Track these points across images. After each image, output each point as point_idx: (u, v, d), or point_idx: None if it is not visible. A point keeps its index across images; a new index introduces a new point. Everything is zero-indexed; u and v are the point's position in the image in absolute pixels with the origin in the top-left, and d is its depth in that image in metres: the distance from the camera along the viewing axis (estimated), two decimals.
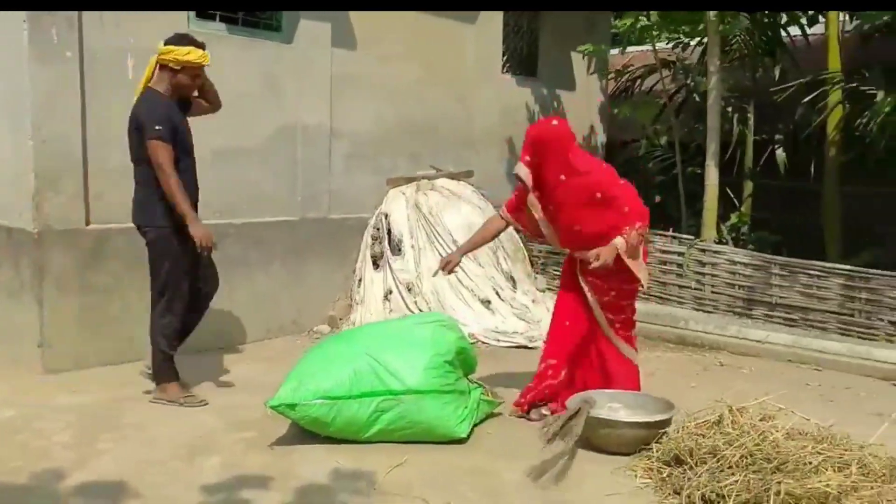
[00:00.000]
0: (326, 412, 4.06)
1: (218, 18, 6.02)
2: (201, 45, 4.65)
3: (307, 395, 4.06)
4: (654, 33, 8.19)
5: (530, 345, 6.41)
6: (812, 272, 6.65)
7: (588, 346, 4.67)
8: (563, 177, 4.39)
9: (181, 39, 4.64)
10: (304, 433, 4.22)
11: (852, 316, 6.44)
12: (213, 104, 5.02)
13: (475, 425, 4.37)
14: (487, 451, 4.13)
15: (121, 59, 5.44)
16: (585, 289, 4.56)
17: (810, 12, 8.49)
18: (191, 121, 4.95)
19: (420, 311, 6.67)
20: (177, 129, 4.59)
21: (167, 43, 4.61)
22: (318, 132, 6.64)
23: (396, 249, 6.78)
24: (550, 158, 4.38)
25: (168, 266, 4.67)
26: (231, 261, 6.09)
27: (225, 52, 5.95)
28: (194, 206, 4.76)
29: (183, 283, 4.74)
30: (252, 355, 5.94)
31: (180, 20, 5.70)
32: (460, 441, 4.21)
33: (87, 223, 5.40)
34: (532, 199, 4.55)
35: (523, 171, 4.42)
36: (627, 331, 4.66)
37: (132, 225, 5.49)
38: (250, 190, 6.25)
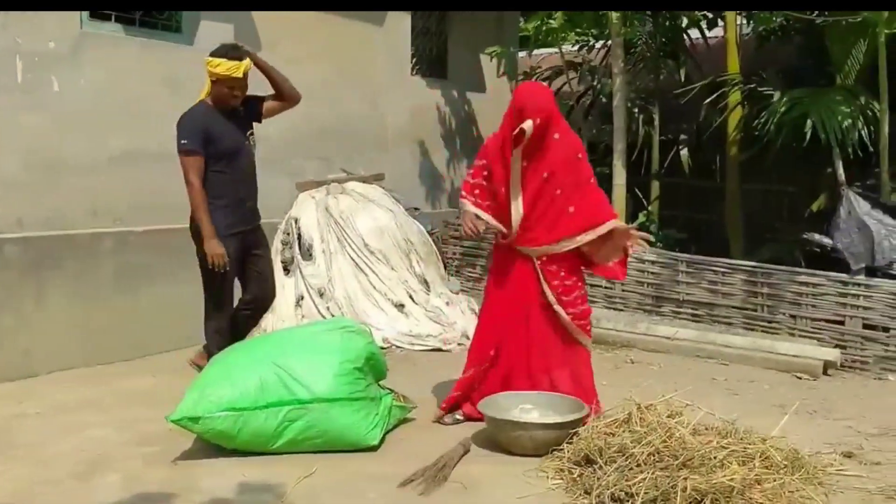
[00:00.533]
0: (232, 424, 3.94)
1: (114, 19, 5.80)
2: (237, 56, 4.61)
3: (211, 408, 3.93)
4: (561, 35, 8.28)
5: (445, 348, 6.38)
6: (717, 269, 6.81)
7: (523, 339, 4.52)
8: (557, 135, 4.33)
9: (218, 51, 4.66)
10: (210, 446, 4.09)
11: (755, 311, 6.62)
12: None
13: (387, 432, 4.30)
14: (398, 457, 4.06)
15: (9, 61, 5.18)
16: (545, 287, 4.41)
17: (710, 15, 8.74)
18: (92, 125, 4.86)
19: (333, 316, 6.57)
20: (213, 139, 4.62)
21: (210, 55, 4.65)
22: None
23: (307, 254, 6.66)
24: (554, 116, 4.32)
25: (206, 271, 4.75)
26: (134, 269, 5.91)
27: (123, 54, 5.77)
28: (250, 210, 4.92)
29: (223, 289, 4.82)
30: (158, 367, 5.72)
31: (72, 22, 5.49)
32: (372, 449, 4.14)
33: None
34: (517, 154, 4.32)
35: (529, 124, 4.15)
36: (585, 319, 4.55)
37: (24, 235, 5.30)
38: (153, 195, 6.03)
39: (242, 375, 4.06)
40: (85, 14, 5.59)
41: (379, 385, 4.45)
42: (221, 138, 4.66)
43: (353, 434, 4.09)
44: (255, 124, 4.96)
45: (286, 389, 4.01)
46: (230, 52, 4.62)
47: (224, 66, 4.55)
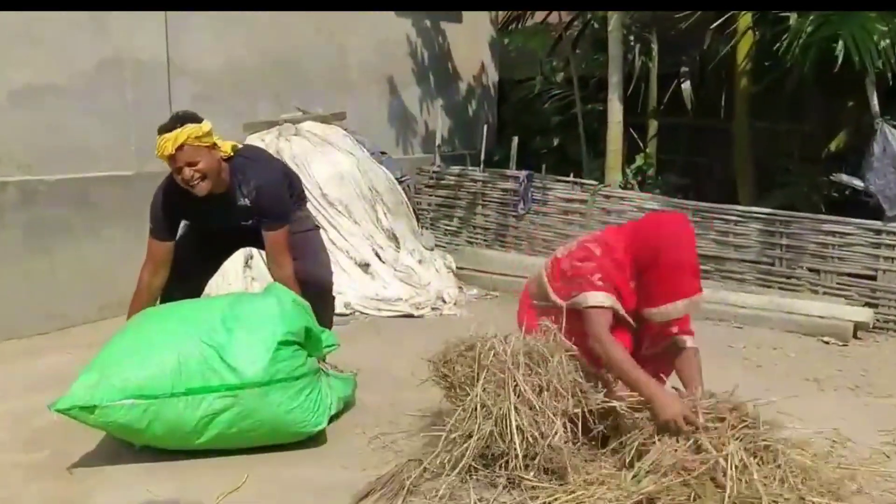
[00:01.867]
0: (139, 416, 3.08)
1: None
2: (167, 128, 3.45)
3: (111, 394, 3.06)
4: None
5: (416, 313, 5.57)
6: (728, 217, 5.99)
7: None
8: None
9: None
10: (116, 446, 3.27)
11: (772, 265, 5.83)
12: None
13: (332, 418, 3.46)
14: (347, 458, 3.25)
15: None
16: None
17: None
18: None
19: None
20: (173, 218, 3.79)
21: None
22: (154, 68, 5.51)
23: None
24: None
25: None
26: (46, 226, 5.01)
27: None
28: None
29: None
30: (74, 340, 4.86)
31: None
32: (322, 439, 3.32)
33: None
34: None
35: None
36: None
37: None
38: (68, 138, 5.10)
39: (156, 352, 3.19)
40: None
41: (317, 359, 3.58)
42: (188, 215, 3.83)
43: (294, 422, 3.26)
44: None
45: (212, 371, 3.15)
46: (168, 122, 3.51)
47: (157, 146, 3.47)
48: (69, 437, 3.35)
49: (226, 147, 3.65)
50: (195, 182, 3.50)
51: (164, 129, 3.45)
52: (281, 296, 3.49)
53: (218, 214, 3.73)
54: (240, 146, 3.86)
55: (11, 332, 4.88)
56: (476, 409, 2.84)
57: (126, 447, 3.28)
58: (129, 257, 5.35)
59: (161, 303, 3.83)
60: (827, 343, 5.01)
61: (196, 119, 3.51)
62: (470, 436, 2.82)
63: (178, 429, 3.14)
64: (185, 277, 3.89)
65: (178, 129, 3.41)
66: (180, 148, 3.41)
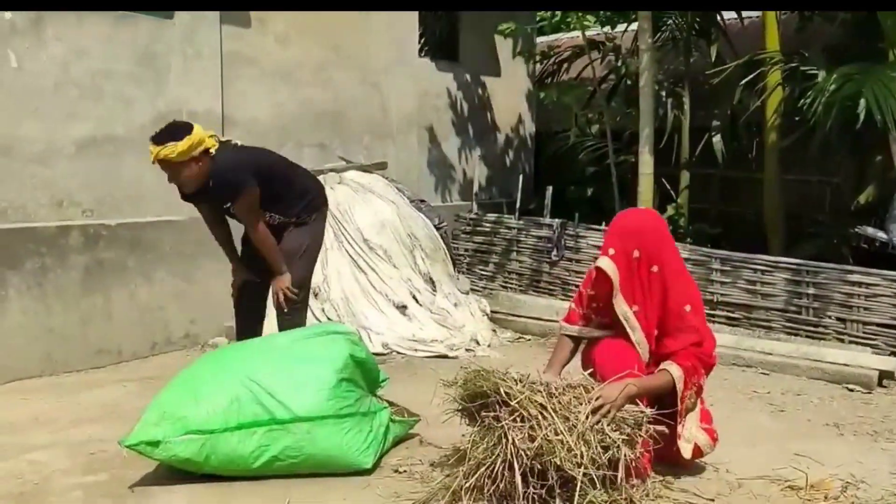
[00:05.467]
0: (198, 449, 3.32)
1: None
2: (154, 141, 3.95)
3: (173, 430, 3.31)
4: (582, 18, 7.62)
5: (451, 354, 5.76)
6: (756, 266, 6.14)
7: None
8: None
9: None
10: (169, 475, 3.48)
11: (799, 314, 5.95)
12: None
13: (384, 453, 3.67)
14: (395, 488, 3.43)
15: None
16: None
17: None
18: (55, 106, 4.86)
19: (329, 319, 5.96)
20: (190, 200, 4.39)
21: None
22: (208, 119, 5.83)
23: None
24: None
25: None
26: (105, 267, 5.34)
27: (91, 28, 5.17)
28: None
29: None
30: (126, 374, 5.15)
31: None
32: (364, 472, 3.52)
33: None
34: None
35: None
36: None
37: None
38: (126, 185, 5.45)
39: (210, 392, 3.43)
40: None
41: (375, 396, 3.82)
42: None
43: (342, 456, 3.47)
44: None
45: (262, 408, 3.39)
46: (157, 134, 3.99)
47: None
48: (125, 464, 3.59)
49: (211, 144, 4.05)
50: (180, 185, 4.12)
51: (152, 140, 3.94)
52: (329, 333, 3.74)
53: (207, 201, 4.28)
54: (227, 142, 4.27)
55: (69, 366, 5.19)
56: (501, 437, 3.00)
57: (181, 474, 3.51)
58: (178, 297, 5.73)
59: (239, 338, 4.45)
60: (851, 391, 5.09)
61: (178, 136, 3.91)
62: (493, 464, 2.98)
63: (233, 460, 3.37)
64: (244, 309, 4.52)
65: (159, 148, 3.88)
66: (160, 161, 3.93)
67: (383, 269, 6.13)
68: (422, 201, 6.92)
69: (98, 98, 5.23)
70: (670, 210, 7.92)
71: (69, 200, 5.17)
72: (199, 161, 3.99)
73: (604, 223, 7.18)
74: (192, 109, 5.73)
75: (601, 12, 8.32)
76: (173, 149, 3.88)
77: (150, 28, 5.48)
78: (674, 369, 3.33)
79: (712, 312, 6.31)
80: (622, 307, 3.37)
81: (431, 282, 6.38)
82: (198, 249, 5.82)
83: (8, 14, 4.79)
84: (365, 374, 3.73)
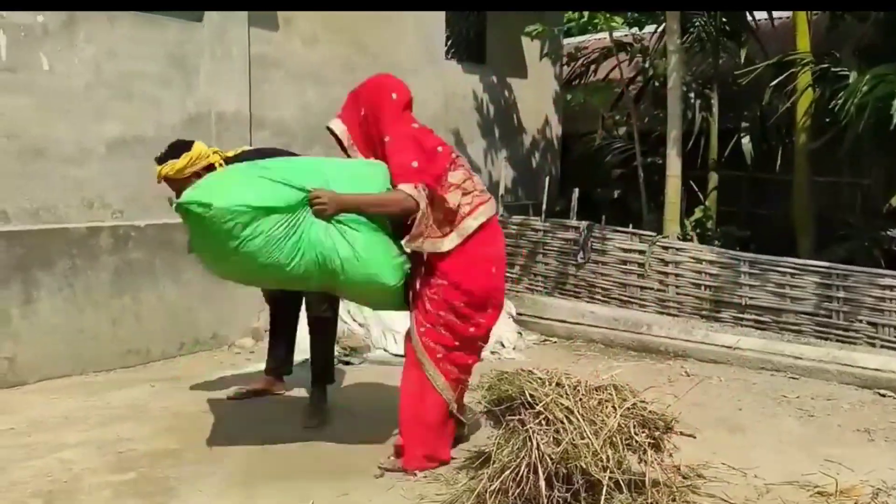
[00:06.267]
0: (245, 223, 3.24)
1: None
2: (157, 160, 4.11)
3: (227, 200, 3.24)
4: (609, 19, 7.57)
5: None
6: (784, 270, 6.07)
7: None
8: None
9: None
10: (193, 476, 3.52)
11: (829, 317, 5.87)
12: None
13: None
14: (415, 490, 3.43)
15: None
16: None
17: None
18: (86, 108, 4.95)
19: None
20: None
21: None
22: (237, 120, 5.91)
23: None
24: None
25: None
26: (134, 268, 5.39)
27: (121, 30, 5.23)
28: None
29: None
30: (155, 374, 5.19)
31: None
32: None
33: None
34: None
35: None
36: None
37: (9, 228, 4.83)
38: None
39: (263, 186, 3.37)
40: None
41: None
42: None
43: (377, 268, 3.52)
44: None
45: (329, 238, 3.40)
46: (161, 154, 4.12)
47: None
48: (152, 463, 3.64)
49: (215, 159, 4.07)
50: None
51: (156, 160, 4.10)
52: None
53: None
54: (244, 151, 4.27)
55: (98, 366, 5.24)
56: (526, 440, 2.99)
57: (204, 472, 3.54)
58: (206, 298, 5.76)
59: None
60: (883, 396, 5.02)
61: (177, 154, 4.02)
62: (518, 467, 2.98)
63: (267, 254, 3.31)
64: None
65: (161, 166, 4.04)
66: (165, 179, 4.06)
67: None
68: None
69: (128, 99, 5.28)
70: (698, 213, 7.85)
71: (100, 201, 5.23)
72: (201, 176, 3.88)
73: (631, 225, 7.15)
74: (220, 110, 5.78)
75: (629, 14, 8.25)
76: (172, 166, 4.00)
77: (179, 30, 5.52)
78: (403, 187, 3.47)
79: (741, 316, 6.26)
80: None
81: None
82: None
83: (40, 17, 4.84)
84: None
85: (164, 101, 5.48)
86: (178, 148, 4.07)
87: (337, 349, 5.63)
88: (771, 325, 6.08)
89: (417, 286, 3.66)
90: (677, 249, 6.68)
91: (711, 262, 6.44)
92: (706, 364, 5.69)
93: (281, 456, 3.79)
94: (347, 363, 5.57)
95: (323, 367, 4.41)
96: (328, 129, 3.84)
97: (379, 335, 5.83)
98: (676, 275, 6.62)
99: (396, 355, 5.65)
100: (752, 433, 4.24)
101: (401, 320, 5.89)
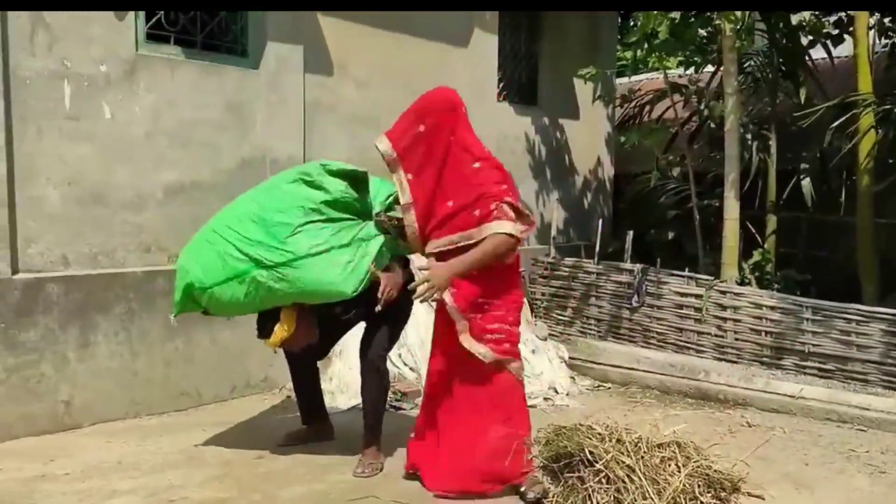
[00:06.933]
0: (207, 300, 4.09)
1: (172, 41, 5.37)
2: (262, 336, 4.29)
3: (185, 293, 4.10)
4: (663, 55, 7.52)
5: (529, 402, 5.61)
6: (850, 317, 5.87)
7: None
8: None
9: None
10: None
11: None
12: None
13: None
14: None
15: (55, 85, 4.78)
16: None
17: (835, 31, 7.81)
18: (146, 155, 5.15)
19: (405, 364, 5.94)
20: None
21: None
22: (291, 164, 5.91)
23: None
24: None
25: None
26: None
27: (181, 79, 5.33)
28: None
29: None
30: (207, 418, 5.19)
31: (127, 43, 5.06)
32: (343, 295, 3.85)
33: (15, 272, 4.69)
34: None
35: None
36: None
37: (69, 273, 4.88)
38: None
39: (206, 253, 4.02)
40: (141, 35, 5.17)
41: (378, 218, 4.09)
42: None
43: (321, 290, 3.87)
44: None
45: (243, 260, 3.89)
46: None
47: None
48: None
49: None
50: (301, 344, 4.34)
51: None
52: (299, 181, 4.03)
53: None
54: None
55: (151, 409, 5.27)
56: (585, 499, 2.90)
57: None
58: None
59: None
60: None
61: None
62: None
63: (234, 302, 4.00)
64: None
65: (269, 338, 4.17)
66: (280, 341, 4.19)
67: None
68: None
69: (186, 146, 5.36)
70: (757, 255, 7.67)
71: (156, 246, 5.29)
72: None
73: (687, 269, 7.01)
74: (275, 156, 5.83)
75: (683, 55, 8.17)
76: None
77: (236, 77, 5.61)
78: (493, 226, 3.50)
79: (803, 364, 6.07)
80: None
81: None
82: None
83: (103, 66, 4.96)
84: (343, 205, 3.97)
85: (221, 147, 5.56)
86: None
87: (388, 394, 5.61)
88: (836, 373, 5.88)
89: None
90: (735, 294, 6.52)
91: (772, 308, 6.27)
92: (768, 413, 5.50)
93: None
94: (398, 409, 5.51)
95: (371, 414, 4.30)
96: (375, 146, 3.92)
97: None
98: (735, 320, 6.45)
99: None
100: (820, 491, 4.06)
101: None
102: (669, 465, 2.91)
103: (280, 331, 4.02)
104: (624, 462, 2.88)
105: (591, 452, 2.93)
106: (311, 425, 4.72)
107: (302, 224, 3.86)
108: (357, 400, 5.44)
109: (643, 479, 2.82)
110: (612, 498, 2.82)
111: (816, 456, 4.64)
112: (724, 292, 6.56)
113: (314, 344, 4.35)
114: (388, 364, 5.81)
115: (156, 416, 5.24)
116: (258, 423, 5.06)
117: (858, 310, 5.89)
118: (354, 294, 3.85)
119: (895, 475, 4.35)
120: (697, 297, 6.64)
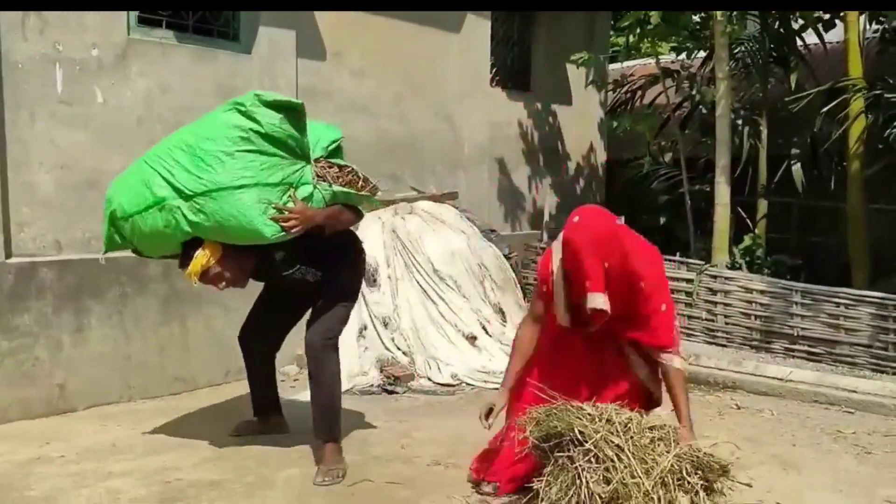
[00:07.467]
0: (130, 231, 3.79)
1: (164, 25, 5.37)
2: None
3: (111, 223, 3.85)
4: (655, 41, 7.54)
5: None
6: (838, 300, 5.93)
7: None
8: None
9: None
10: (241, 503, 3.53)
11: (885, 350, 5.71)
12: None
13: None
14: None
15: (47, 69, 4.78)
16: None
17: (826, 16, 7.84)
18: (138, 140, 4.96)
19: (398, 348, 5.97)
20: None
21: None
22: None
23: (371, 280, 6.07)
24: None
25: None
26: (182, 296, 5.44)
27: (173, 63, 5.33)
28: None
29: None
30: (201, 402, 5.22)
31: (119, 27, 5.07)
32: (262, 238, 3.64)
33: (8, 256, 4.71)
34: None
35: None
36: None
37: (62, 258, 4.90)
38: None
39: (133, 181, 3.76)
40: (133, 19, 5.18)
41: (319, 163, 3.83)
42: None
43: (239, 226, 3.58)
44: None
45: (165, 188, 3.62)
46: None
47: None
48: (198, 494, 3.65)
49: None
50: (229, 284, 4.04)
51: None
52: (234, 110, 3.69)
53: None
54: None
55: (146, 393, 5.30)
56: (575, 478, 2.93)
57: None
58: None
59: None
60: None
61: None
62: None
63: (156, 233, 3.70)
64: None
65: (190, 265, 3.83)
66: (199, 272, 3.86)
67: (453, 300, 6.12)
68: (492, 231, 6.91)
69: None
70: (747, 240, 7.71)
71: None
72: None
73: (678, 253, 7.05)
74: None
75: (675, 40, 8.20)
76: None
77: (229, 63, 5.61)
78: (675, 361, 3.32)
79: (792, 347, 6.13)
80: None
81: (501, 312, 6.34)
82: None
83: (95, 51, 4.96)
84: (276, 140, 3.63)
85: None
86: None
87: (381, 378, 5.65)
88: (824, 356, 5.94)
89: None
90: (726, 278, 6.57)
91: (762, 292, 6.32)
92: (757, 396, 5.56)
93: (331, 488, 3.77)
94: (392, 392, 5.56)
95: (324, 411, 3.97)
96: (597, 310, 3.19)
97: (423, 364, 5.80)
98: (725, 304, 6.51)
99: (440, 385, 5.63)
100: (808, 471, 4.12)
101: (445, 350, 5.90)
102: (658, 446, 2.95)
103: (201, 257, 3.69)
104: (613, 442, 2.91)
105: (580, 432, 2.96)
106: (262, 418, 4.49)
107: (229, 153, 3.55)
108: (350, 383, 5.51)
109: (632, 459, 2.85)
110: (600, 476, 2.85)
111: (804, 437, 4.70)
112: (714, 277, 6.61)
113: (263, 324, 4.30)
114: (380, 347, 5.89)
115: (150, 399, 5.27)
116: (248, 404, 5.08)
117: (847, 294, 5.94)
118: (274, 238, 3.60)
119: (881, 455, 4.42)
120: (688, 281, 6.68)
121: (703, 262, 6.82)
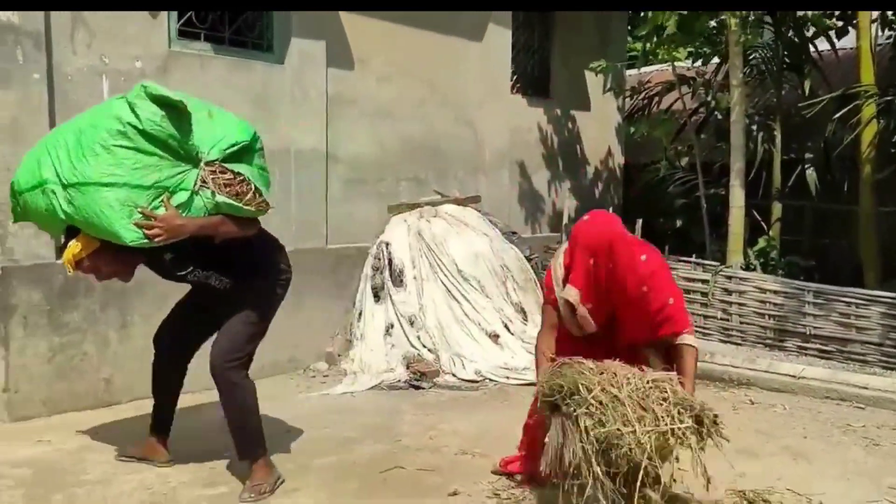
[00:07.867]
0: (21, 209, 3.60)
1: (203, 38, 5.65)
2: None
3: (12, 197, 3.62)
4: (672, 47, 7.75)
5: None
6: (850, 300, 6.12)
7: None
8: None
9: None
10: (282, 488, 3.83)
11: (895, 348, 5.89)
12: None
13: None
14: None
15: (94, 81, 5.06)
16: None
17: (839, 24, 8.03)
18: None
19: (424, 346, 6.20)
20: None
21: None
22: (314, 156, 6.23)
23: (398, 280, 6.33)
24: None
25: None
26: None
27: (210, 74, 5.60)
28: None
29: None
30: None
31: (160, 40, 5.34)
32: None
33: (59, 257, 4.97)
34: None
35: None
36: None
37: None
38: None
39: (29, 160, 3.56)
40: (174, 32, 5.46)
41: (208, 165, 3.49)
42: None
43: (101, 225, 3.35)
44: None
45: (49, 170, 3.41)
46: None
47: None
48: (242, 479, 3.89)
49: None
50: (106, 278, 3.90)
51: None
52: (120, 101, 3.43)
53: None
54: None
55: (186, 387, 5.37)
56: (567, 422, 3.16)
57: (288, 488, 3.78)
58: (284, 324, 5.97)
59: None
60: None
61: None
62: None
63: (40, 213, 3.48)
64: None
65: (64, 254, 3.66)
66: (76, 262, 3.65)
67: (476, 299, 6.35)
68: (513, 233, 7.13)
69: None
70: (762, 242, 7.90)
71: None
72: None
73: (694, 255, 7.25)
74: (298, 148, 6.10)
75: (692, 48, 8.40)
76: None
77: (263, 73, 5.88)
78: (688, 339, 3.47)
79: (805, 345, 6.32)
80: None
81: (523, 311, 6.56)
82: (302, 279, 6.11)
83: (138, 63, 5.24)
84: (153, 139, 3.35)
85: None
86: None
87: (407, 374, 5.89)
88: (836, 354, 6.13)
89: None
90: (741, 279, 6.77)
91: (775, 292, 6.52)
92: (770, 393, 5.75)
93: (365, 474, 4.02)
94: (418, 387, 5.79)
95: (239, 434, 3.87)
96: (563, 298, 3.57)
97: (448, 361, 6.03)
98: (740, 304, 6.70)
99: (465, 380, 5.86)
100: (818, 461, 4.32)
101: (469, 347, 6.13)
102: (655, 392, 3.15)
103: (73, 247, 3.49)
104: (611, 392, 3.12)
105: (582, 385, 3.17)
106: (151, 437, 4.25)
107: (105, 146, 3.32)
108: (378, 379, 5.77)
109: (626, 405, 3.06)
110: (597, 420, 3.06)
111: (815, 430, 4.90)
112: (729, 277, 6.80)
113: (178, 325, 4.19)
114: (406, 345, 6.12)
115: (190, 393, 5.47)
116: (285, 400, 5.33)
117: (858, 294, 6.13)
118: (134, 244, 3.37)
119: (889, 447, 4.61)
120: (704, 282, 6.88)
121: (718, 264, 7.02)
